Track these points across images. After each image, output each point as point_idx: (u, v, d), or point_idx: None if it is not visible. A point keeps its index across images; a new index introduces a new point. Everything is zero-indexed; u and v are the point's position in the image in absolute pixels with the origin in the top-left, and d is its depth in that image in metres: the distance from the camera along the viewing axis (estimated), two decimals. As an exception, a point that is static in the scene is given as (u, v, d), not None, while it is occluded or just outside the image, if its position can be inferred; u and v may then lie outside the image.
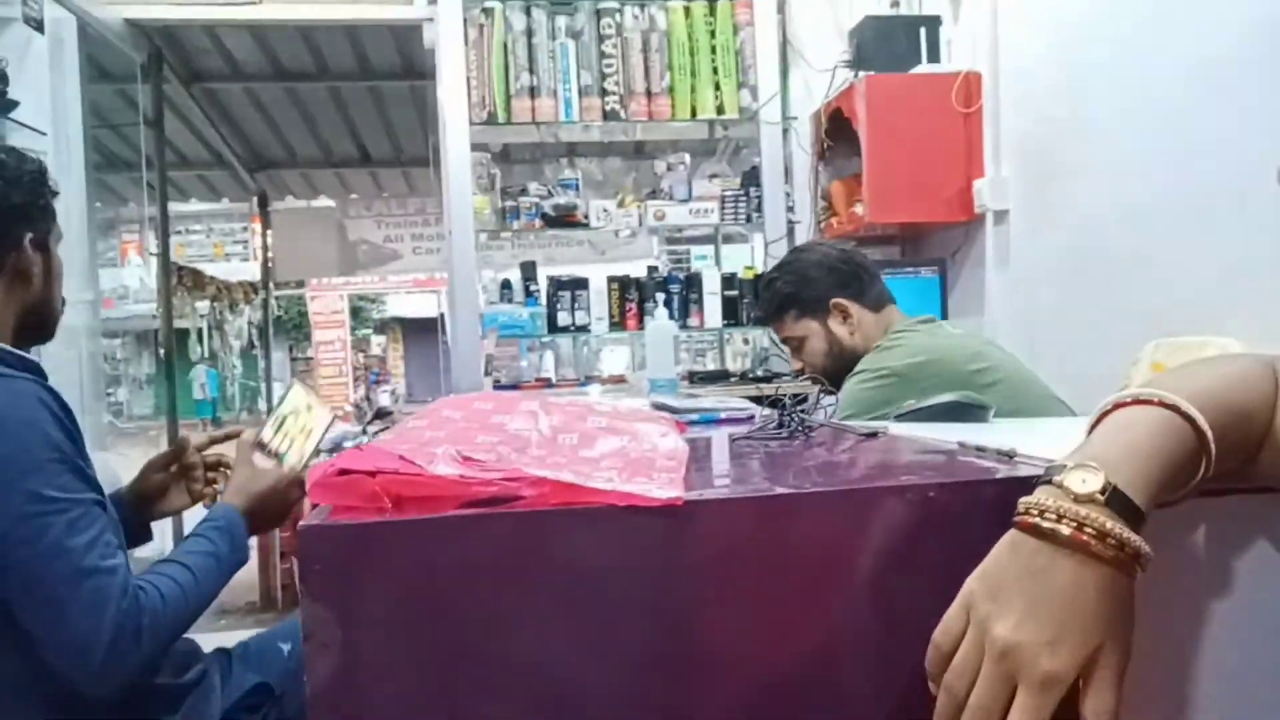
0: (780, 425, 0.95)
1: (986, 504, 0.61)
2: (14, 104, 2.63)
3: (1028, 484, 0.55)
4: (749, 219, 3.12)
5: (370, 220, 7.12)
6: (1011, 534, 0.53)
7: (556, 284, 3.09)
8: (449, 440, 0.74)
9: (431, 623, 0.60)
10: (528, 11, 3.00)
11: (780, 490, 0.63)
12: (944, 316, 2.51)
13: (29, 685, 1.06)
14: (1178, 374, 0.63)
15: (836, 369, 1.61)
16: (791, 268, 1.72)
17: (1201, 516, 0.66)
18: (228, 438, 1.43)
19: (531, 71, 2.99)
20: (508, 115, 3.00)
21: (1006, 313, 2.67)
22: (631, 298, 3.07)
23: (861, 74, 2.78)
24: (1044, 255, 2.48)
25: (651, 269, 3.28)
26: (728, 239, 3.95)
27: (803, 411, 0.94)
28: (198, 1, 3.17)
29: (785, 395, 0.99)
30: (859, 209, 2.84)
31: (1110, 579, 0.50)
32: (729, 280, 3.11)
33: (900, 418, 1.10)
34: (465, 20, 2.96)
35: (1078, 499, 0.51)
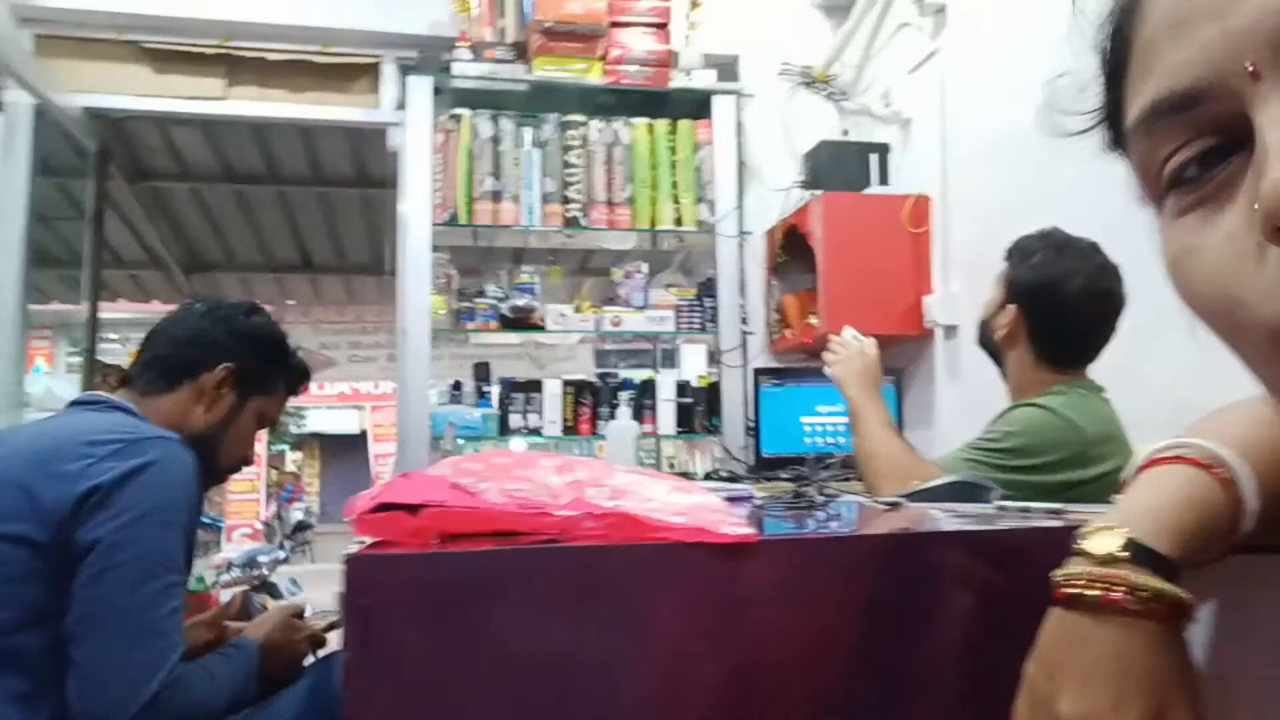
0: (798, 495, 0.94)
1: (1057, 549, 0.60)
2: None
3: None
4: (703, 328, 3.16)
5: (307, 327, 7.02)
6: (1051, 610, 0.52)
7: (510, 386, 3.06)
8: (486, 480, 0.70)
9: (488, 662, 0.55)
10: (495, 120, 3.07)
11: (851, 532, 0.61)
12: (899, 424, 2.54)
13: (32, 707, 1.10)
14: (1206, 424, 0.62)
15: (980, 336, 1.72)
16: (1052, 247, 1.62)
17: (1236, 570, 0.66)
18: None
19: (496, 177, 3.04)
20: (469, 218, 3.02)
21: (957, 425, 2.72)
22: (586, 401, 3.06)
23: (817, 193, 2.89)
24: (993, 369, 2.55)
25: (607, 375, 3.27)
26: (667, 357, 3.99)
27: (824, 482, 0.93)
28: (162, 93, 3.16)
29: (807, 481, 0.98)
30: (813, 320, 2.91)
31: (1155, 633, 0.49)
32: (683, 388, 3.12)
33: (905, 498, 1.10)
34: (433, 125, 3.01)
35: (1102, 561, 0.50)
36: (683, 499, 0.77)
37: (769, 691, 0.58)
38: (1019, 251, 1.62)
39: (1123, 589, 0.49)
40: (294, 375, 1.58)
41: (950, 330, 2.71)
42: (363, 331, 6.90)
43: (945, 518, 0.84)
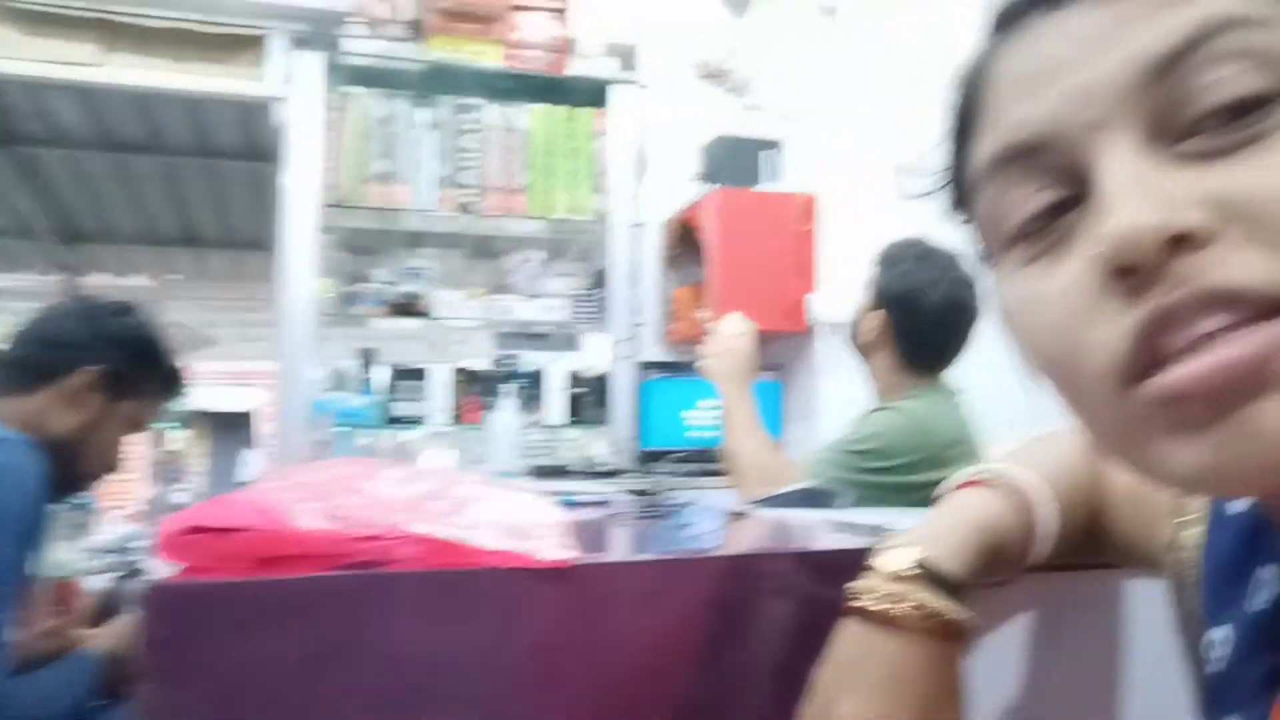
0: (648, 506, 0.95)
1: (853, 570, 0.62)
2: None
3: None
4: (596, 318, 3.17)
5: (191, 303, 6.74)
6: (844, 620, 0.55)
7: (397, 373, 3.01)
8: (312, 499, 0.69)
9: (296, 696, 0.54)
10: (389, 100, 3.00)
11: (671, 556, 0.62)
12: (782, 421, 2.60)
13: None
14: (1016, 453, 0.67)
15: (849, 338, 1.77)
16: (916, 257, 1.67)
17: (1041, 592, 0.70)
18: None
19: (388, 158, 2.97)
20: (359, 200, 2.95)
21: (837, 420, 2.79)
22: (475, 390, 3.03)
23: (711, 186, 2.92)
24: (872, 367, 2.64)
25: (498, 361, 3.25)
26: (568, 343, 3.97)
27: (668, 493, 0.94)
28: (32, 57, 2.97)
29: (649, 483, 0.99)
30: (701, 314, 2.94)
31: (934, 652, 0.52)
32: (576, 377, 3.12)
33: (758, 504, 1.12)
34: (321, 102, 2.92)
35: (893, 577, 0.53)
36: (521, 516, 0.77)
37: (583, 716, 0.59)
38: (887, 258, 1.68)
39: (905, 607, 0.51)
40: (168, 379, 1.52)
41: (832, 328, 2.78)
42: (251, 309, 6.66)
43: (763, 535, 0.86)
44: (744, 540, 0.81)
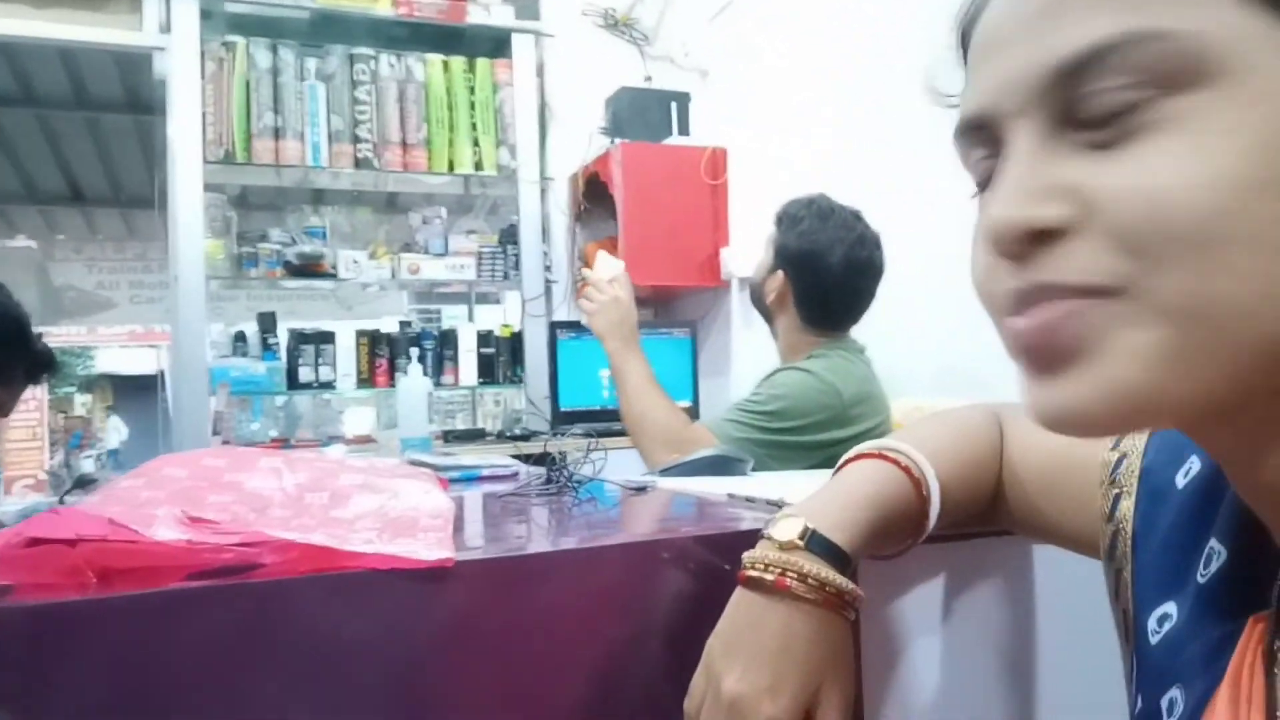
0: (549, 481, 0.92)
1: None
2: None
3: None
4: (506, 276, 3.09)
5: (79, 264, 6.39)
6: (737, 589, 0.55)
7: (299, 337, 2.89)
8: (171, 501, 0.64)
9: (147, 720, 0.50)
10: (274, 49, 2.84)
11: (556, 548, 0.59)
12: (695, 376, 2.59)
13: None
14: (913, 428, 0.67)
15: (752, 297, 1.77)
16: (817, 216, 1.63)
17: (945, 558, 0.70)
18: None
19: (276, 111, 2.82)
20: (248, 155, 2.80)
21: (750, 375, 2.80)
22: (382, 354, 2.94)
23: (618, 140, 2.86)
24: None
25: (404, 324, 3.16)
26: (482, 298, 3.89)
27: (571, 468, 0.91)
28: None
29: (555, 451, 0.96)
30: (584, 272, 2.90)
31: (821, 620, 0.52)
32: (485, 338, 3.06)
33: (665, 472, 1.10)
34: (203, 52, 2.75)
35: (782, 546, 0.53)
36: (404, 505, 0.73)
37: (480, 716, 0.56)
38: (787, 218, 1.65)
39: (794, 575, 0.52)
40: (36, 362, 1.41)
41: (744, 282, 2.77)
42: (145, 270, 6.35)
43: (659, 517, 0.84)
44: (639, 524, 0.79)
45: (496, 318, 3.60)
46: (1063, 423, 0.36)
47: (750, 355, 2.80)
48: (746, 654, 0.52)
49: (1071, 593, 0.70)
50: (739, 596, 0.54)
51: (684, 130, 2.97)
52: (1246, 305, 0.32)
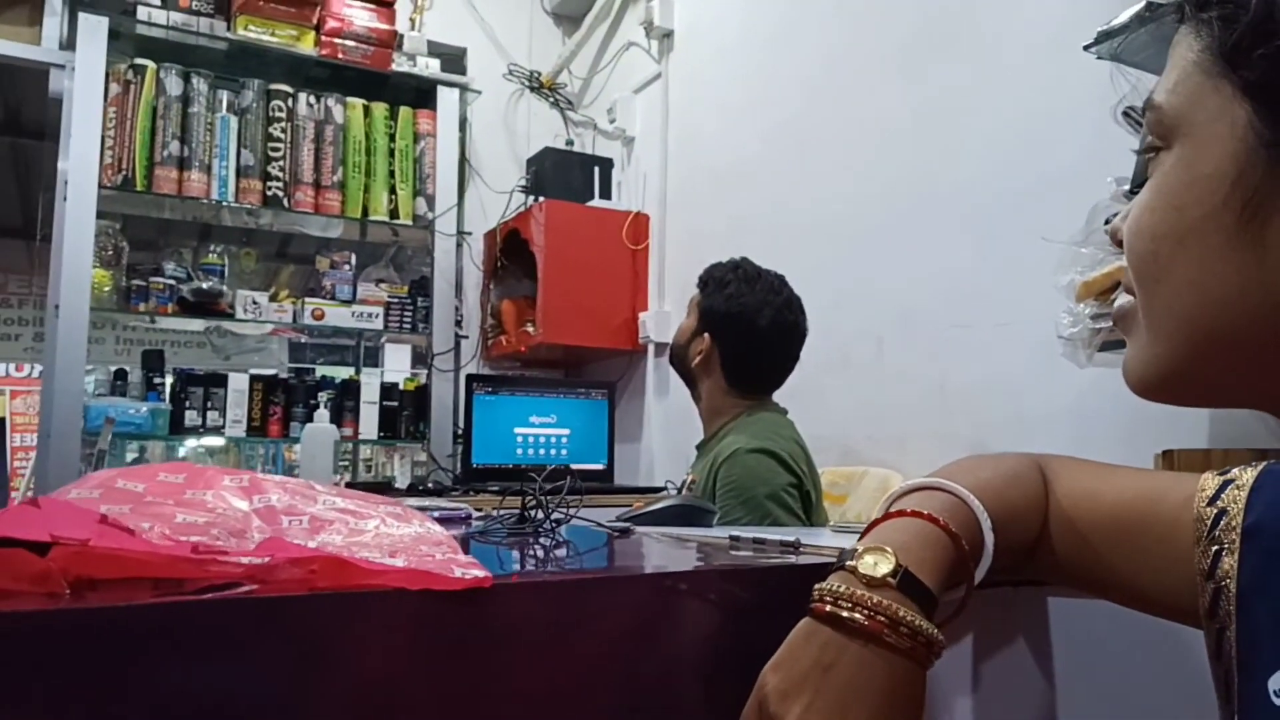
0: (523, 520, 0.86)
1: (784, 590, 0.57)
2: None
3: (822, 571, 0.52)
4: (415, 328, 3.00)
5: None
6: (806, 621, 0.50)
7: (186, 378, 2.71)
8: (139, 515, 0.56)
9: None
10: (187, 77, 2.72)
11: (593, 576, 0.54)
12: (611, 439, 2.55)
13: None
14: (961, 467, 0.63)
15: (673, 359, 1.76)
16: (743, 279, 1.66)
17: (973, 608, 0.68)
18: None
19: (183, 141, 2.69)
20: (148, 184, 2.65)
21: (663, 441, 2.79)
22: (277, 400, 2.78)
23: (540, 199, 2.85)
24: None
25: (302, 372, 3.01)
26: (370, 355, 3.75)
27: (551, 505, 0.86)
28: None
29: (529, 490, 0.90)
30: (530, 328, 2.85)
31: (900, 669, 0.49)
32: (388, 390, 2.94)
33: (629, 520, 1.06)
34: (108, 73, 2.61)
35: (870, 583, 0.49)
36: (399, 529, 0.66)
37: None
38: (713, 280, 1.68)
39: (885, 619, 0.48)
40: None
41: (661, 347, 2.77)
42: (4, 304, 5.88)
43: (682, 550, 0.80)
44: (660, 559, 0.74)
45: (380, 378, 3.45)
46: (1127, 374, 0.48)
47: (663, 419, 2.78)
48: (812, 693, 0.47)
49: (1088, 645, 0.69)
50: (809, 630, 0.50)
51: (605, 194, 2.99)
52: (1182, 312, 0.44)
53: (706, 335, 1.67)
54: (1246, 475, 0.53)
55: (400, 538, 0.64)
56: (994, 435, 1.72)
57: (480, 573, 0.51)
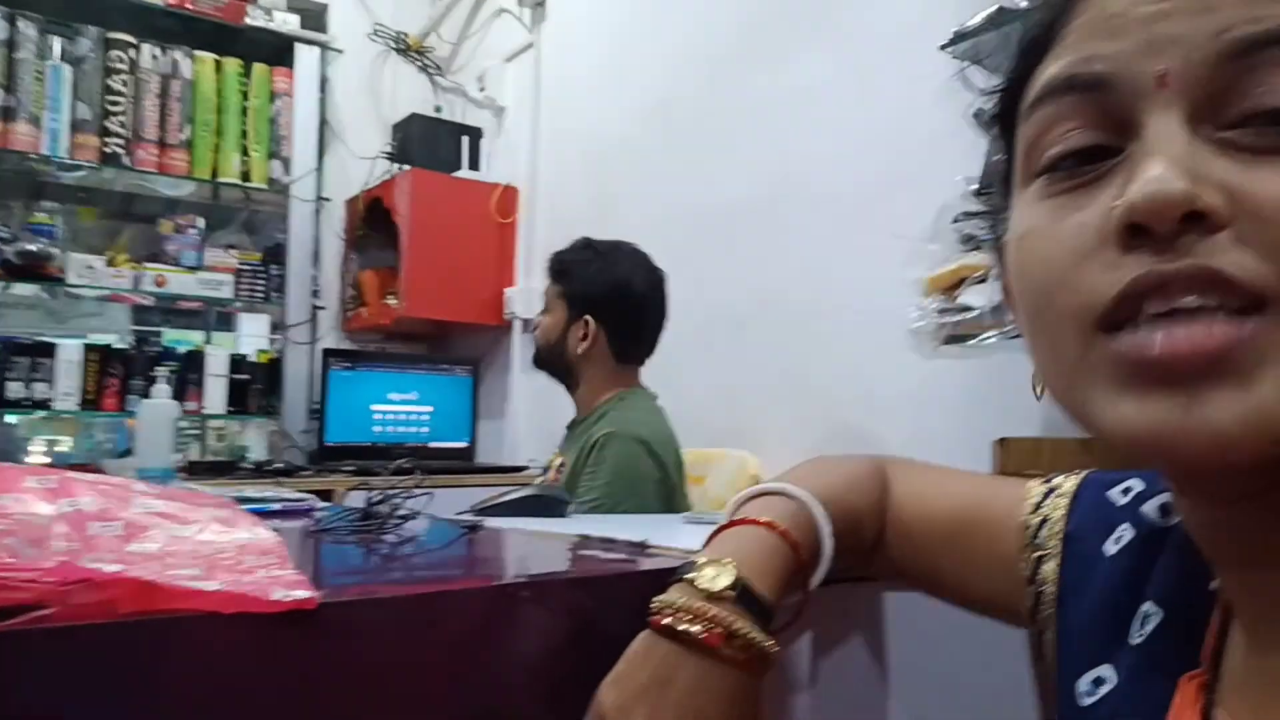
0: (367, 517, 0.83)
1: (629, 596, 0.57)
2: None
3: (665, 579, 0.52)
4: (267, 297, 2.86)
5: None
6: (644, 635, 0.50)
7: (11, 347, 2.51)
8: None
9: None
10: (12, 20, 2.49)
11: (432, 588, 0.52)
12: (474, 416, 2.51)
13: None
14: (807, 470, 0.64)
15: (548, 359, 1.69)
16: (602, 254, 1.65)
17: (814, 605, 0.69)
18: None
19: (9, 90, 2.47)
20: (-34, 136, 2.42)
21: (529, 418, 2.76)
22: (114, 371, 2.61)
23: (405, 167, 2.75)
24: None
25: (141, 340, 2.83)
26: (224, 321, 3.56)
27: (397, 502, 0.83)
28: None
29: (375, 482, 0.87)
30: (391, 301, 2.77)
31: (737, 681, 0.49)
32: (238, 362, 2.80)
33: (483, 511, 1.04)
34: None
35: (709, 596, 0.49)
36: (223, 536, 0.63)
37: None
38: (573, 265, 1.67)
39: (720, 632, 0.48)
40: None
41: (529, 323, 2.74)
42: None
43: (529, 551, 0.79)
44: (508, 565, 0.72)
45: (230, 349, 3.29)
46: (1191, 442, 0.32)
47: (529, 395, 2.76)
48: (649, 709, 0.47)
49: (922, 639, 0.72)
50: (648, 644, 0.49)
51: (474, 165, 2.92)
52: None
53: (588, 319, 1.66)
54: (1069, 483, 0.55)
55: (223, 546, 0.60)
56: (846, 420, 1.77)
57: (304, 593, 0.48)
